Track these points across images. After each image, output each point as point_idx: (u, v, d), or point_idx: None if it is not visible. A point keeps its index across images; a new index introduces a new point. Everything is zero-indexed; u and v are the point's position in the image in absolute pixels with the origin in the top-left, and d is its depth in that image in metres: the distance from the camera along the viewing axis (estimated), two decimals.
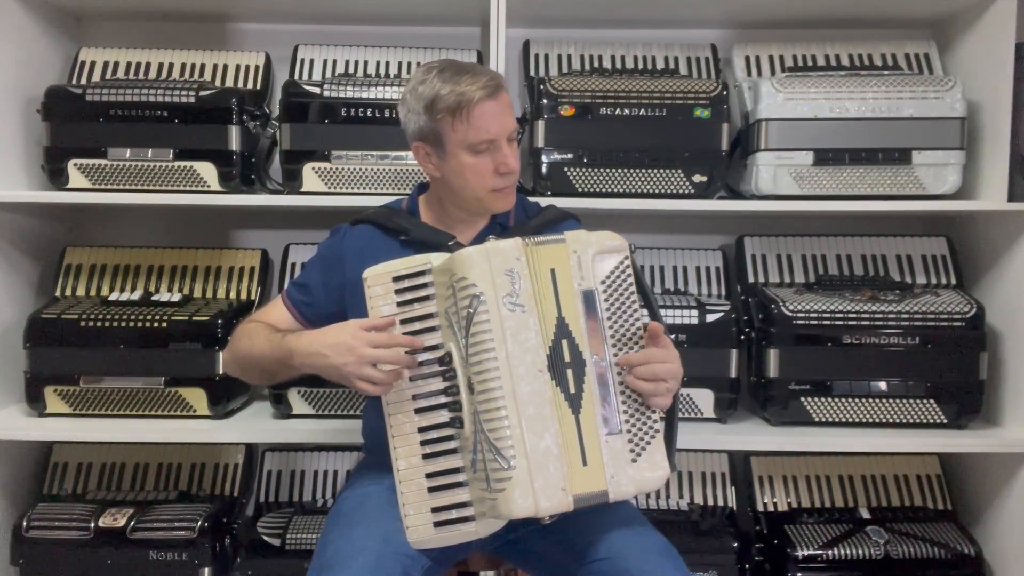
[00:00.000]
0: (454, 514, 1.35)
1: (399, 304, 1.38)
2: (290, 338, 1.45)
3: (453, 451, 1.36)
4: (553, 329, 1.32)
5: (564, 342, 1.32)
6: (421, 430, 1.37)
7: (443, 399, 1.36)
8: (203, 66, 2.32)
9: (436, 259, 1.37)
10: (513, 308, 1.30)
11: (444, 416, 1.36)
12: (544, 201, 1.99)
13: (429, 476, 1.36)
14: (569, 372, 1.32)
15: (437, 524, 1.36)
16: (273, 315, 1.62)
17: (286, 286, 1.69)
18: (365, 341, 1.34)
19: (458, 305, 1.31)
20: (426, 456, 1.36)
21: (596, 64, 2.34)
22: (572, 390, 1.32)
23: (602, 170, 2.07)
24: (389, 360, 1.34)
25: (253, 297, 2.26)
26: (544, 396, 1.30)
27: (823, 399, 2.06)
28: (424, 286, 1.37)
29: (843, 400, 2.06)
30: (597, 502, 1.31)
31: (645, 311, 1.41)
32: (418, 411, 1.37)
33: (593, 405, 1.32)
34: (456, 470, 1.35)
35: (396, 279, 1.38)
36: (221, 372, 2.05)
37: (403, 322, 1.37)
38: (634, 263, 1.38)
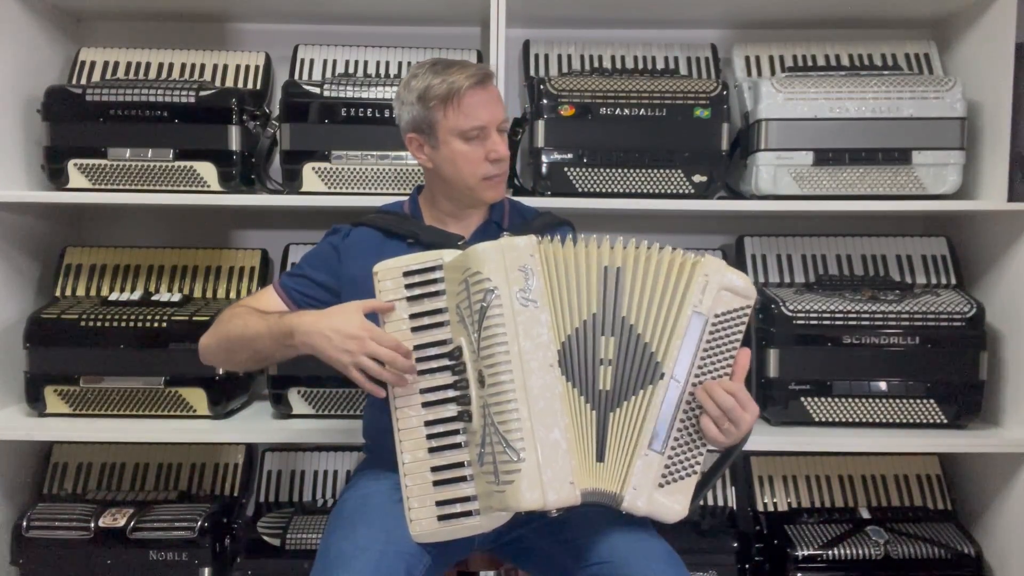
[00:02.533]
0: (458, 508, 1.35)
1: (409, 299, 1.39)
2: (290, 316, 1.44)
3: (459, 445, 1.36)
4: (578, 324, 1.32)
5: (606, 339, 1.32)
6: (428, 424, 1.37)
7: (451, 393, 1.36)
8: (203, 66, 2.32)
9: (448, 255, 1.38)
10: (526, 303, 1.31)
11: (451, 410, 1.36)
12: (544, 201, 2.00)
13: (435, 470, 1.36)
14: (606, 370, 1.32)
15: (441, 518, 1.36)
16: (263, 302, 1.59)
17: (280, 276, 1.67)
18: (370, 335, 1.34)
19: (471, 299, 1.32)
20: (432, 450, 1.37)
21: (596, 64, 2.34)
22: (604, 387, 1.32)
23: (602, 170, 2.07)
24: (387, 359, 1.34)
25: None
26: (554, 390, 1.30)
27: (823, 399, 2.06)
28: (435, 281, 1.38)
29: (843, 400, 2.06)
30: (604, 501, 1.31)
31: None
32: (425, 405, 1.37)
33: (650, 415, 1.32)
34: (461, 464, 1.36)
35: (407, 273, 1.39)
36: (221, 372, 2.05)
37: (412, 316, 1.38)
38: (752, 318, 1.36)
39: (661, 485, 1.32)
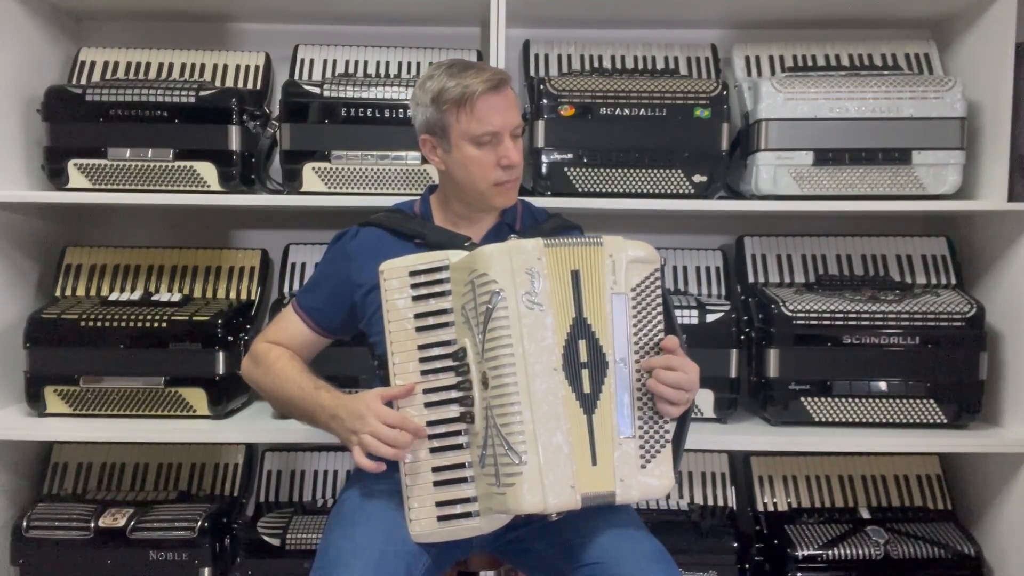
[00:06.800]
0: (458, 509, 1.36)
1: (414, 298, 1.39)
2: (323, 395, 1.46)
3: (460, 446, 1.37)
4: (568, 329, 1.34)
5: (581, 343, 1.34)
6: (430, 424, 1.38)
7: (454, 394, 1.37)
8: (203, 66, 2.32)
9: (454, 256, 1.39)
10: (531, 306, 1.32)
11: (454, 411, 1.37)
12: (543, 201, 2.00)
13: (436, 470, 1.37)
14: (585, 372, 1.33)
15: (441, 518, 1.36)
16: (289, 329, 1.62)
17: (295, 295, 1.68)
18: (376, 415, 1.34)
19: (477, 301, 1.33)
20: (433, 450, 1.37)
21: (596, 64, 2.34)
22: (587, 390, 1.34)
23: (602, 170, 2.07)
24: (389, 439, 1.33)
25: (253, 297, 2.27)
26: (557, 395, 1.31)
27: (823, 399, 2.06)
28: (441, 281, 1.39)
29: (843, 400, 2.06)
30: (603, 503, 1.32)
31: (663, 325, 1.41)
32: (428, 405, 1.38)
33: (611, 407, 1.34)
34: (463, 465, 1.36)
35: (413, 273, 1.40)
36: (221, 372, 2.05)
37: (417, 316, 1.39)
38: (663, 278, 1.40)
39: (643, 467, 1.34)
